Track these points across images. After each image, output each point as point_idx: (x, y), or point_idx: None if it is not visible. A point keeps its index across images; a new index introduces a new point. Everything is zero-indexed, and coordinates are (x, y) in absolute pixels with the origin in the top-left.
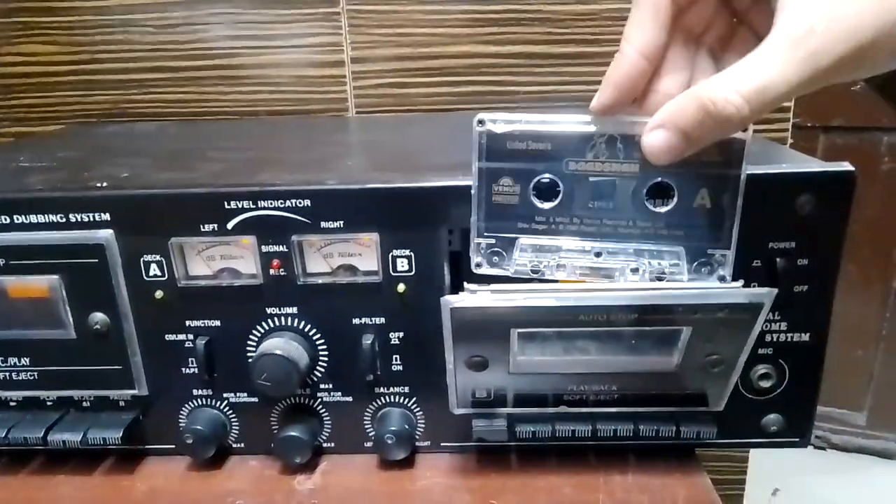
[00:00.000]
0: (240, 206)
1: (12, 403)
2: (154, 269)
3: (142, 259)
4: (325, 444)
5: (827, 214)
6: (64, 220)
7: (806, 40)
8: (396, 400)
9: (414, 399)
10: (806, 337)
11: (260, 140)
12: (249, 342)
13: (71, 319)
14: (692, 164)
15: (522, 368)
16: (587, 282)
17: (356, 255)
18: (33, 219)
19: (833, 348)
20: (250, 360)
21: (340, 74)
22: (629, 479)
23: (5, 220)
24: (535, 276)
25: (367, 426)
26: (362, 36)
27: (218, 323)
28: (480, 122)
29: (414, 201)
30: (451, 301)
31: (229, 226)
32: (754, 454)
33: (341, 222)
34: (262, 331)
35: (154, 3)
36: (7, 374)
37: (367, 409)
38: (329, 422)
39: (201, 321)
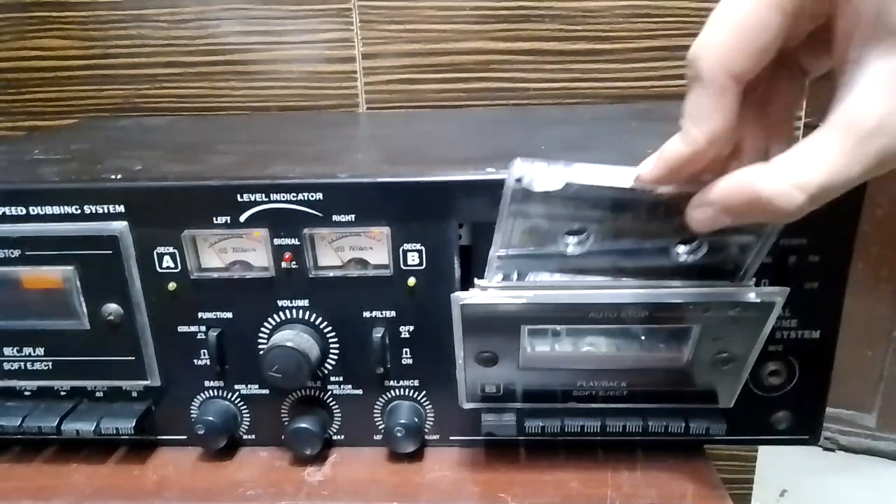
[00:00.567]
0: (252, 198)
1: (27, 393)
2: (167, 261)
3: (155, 251)
4: (334, 437)
5: (838, 211)
6: (78, 211)
7: (875, 135)
8: (406, 393)
9: (423, 392)
10: (816, 334)
11: (271, 134)
12: (261, 334)
13: (85, 310)
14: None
15: (532, 364)
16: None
17: (367, 248)
18: (48, 210)
19: (842, 349)
20: (261, 352)
21: (351, 70)
22: (637, 473)
23: (20, 210)
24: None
25: (376, 419)
26: (373, 32)
27: (230, 315)
28: (518, 179)
29: (425, 195)
30: (461, 297)
31: (242, 218)
32: (762, 454)
33: (353, 216)
34: (274, 323)
35: None
36: (22, 363)
37: (377, 402)
38: (339, 414)
39: (213, 313)
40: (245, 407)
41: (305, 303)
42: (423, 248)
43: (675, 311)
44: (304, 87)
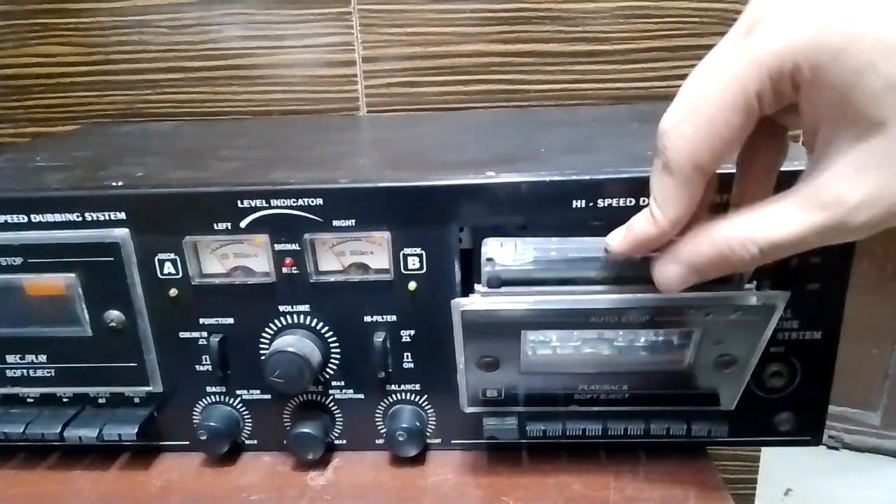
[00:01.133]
0: (253, 204)
1: (30, 400)
2: (168, 267)
3: (156, 257)
4: (337, 441)
5: None
6: (80, 218)
7: (833, 208)
8: (408, 397)
9: (425, 396)
10: (818, 335)
11: (272, 139)
12: (262, 339)
13: (87, 317)
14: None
15: (533, 368)
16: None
17: (368, 253)
18: (50, 217)
19: (847, 347)
20: (263, 358)
21: (352, 74)
22: (640, 476)
23: (22, 218)
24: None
25: (378, 423)
26: (373, 35)
27: (231, 320)
28: (489, 259)
29: (425, 199)
30: (462, 304)
31: (242, 224)
32: (766, 454)
33: (353, 221)
34: (275, 328)
35: (168, 4)
36: (24, 370)
37: (379, 407)
38: (341, 419)
39: (215, 319)
40: (247, 412)
41: (307, 308)
42: (423, 252)
43: (677, 315)
44: (305, 90)
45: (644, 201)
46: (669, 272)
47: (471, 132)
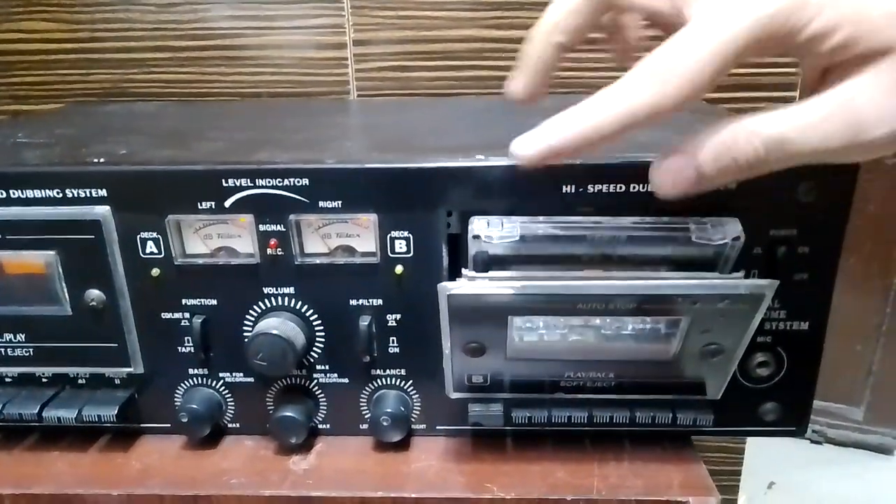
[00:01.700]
0: (237, 184)
1: (7, 379)
2: (150, 247)
3: (138, 236)
4: (320, 426)
5: (828, 202)
6: (60, 195)
7: (848, 115)
8: (393, 382)
9: (410, 382)
10: (805, 325)
11: (260, 121)
12: (246, 322)
13: (67, 296)
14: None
15: (519, 354)
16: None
17: (354, 235)
18: (30, 194)
19: (832, 343)
20: (246, 340)
21: (342, 57)
22: (624, 464)
23: (2, 194)
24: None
25: (362, 408)
26: (365, 18)
27: (214, 302)
28: (476, 236)
29: (413, 182)
30: (449, 288)
31: (227, 204)
32: (750, 446)
33: (339, 202)
34: (259, 310)
35: None
36: (2, 349)
37: (363, 391)
38: (325, 403)
39: (198, 300)
40: (230, 395)
41: (291, 290)
42: (410, 235)
43: (664, 303)
44: (295, 73)
45: (634, 187)
46: (670, 165)
47: (462, 118)
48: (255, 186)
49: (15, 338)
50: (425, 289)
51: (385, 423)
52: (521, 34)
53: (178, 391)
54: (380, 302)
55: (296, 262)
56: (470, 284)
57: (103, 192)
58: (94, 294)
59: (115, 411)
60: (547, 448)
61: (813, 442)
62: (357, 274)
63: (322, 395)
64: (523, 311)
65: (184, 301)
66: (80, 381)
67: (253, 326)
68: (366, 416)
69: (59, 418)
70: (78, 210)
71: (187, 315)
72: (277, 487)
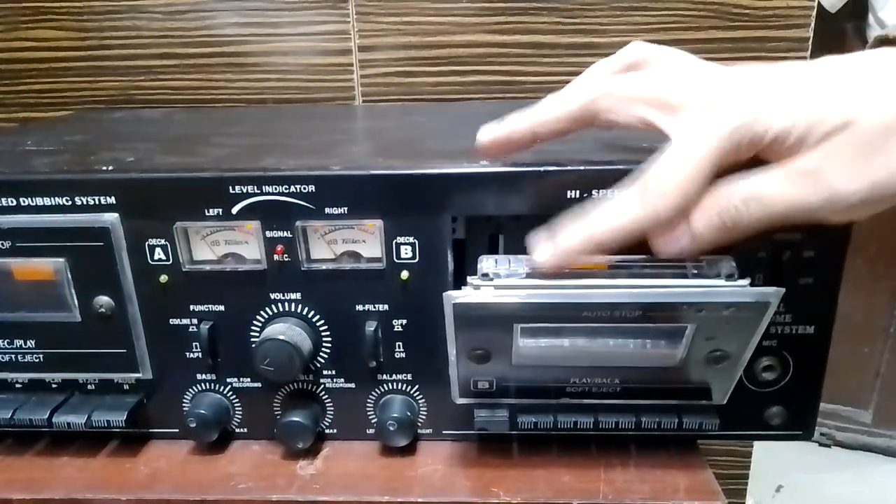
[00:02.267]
0: (244, 190)
1: (18, 385)
2: (159, 253)
3: (146, 243)
4: (327, 431)
5: None
6: (69, 202)
7: (818, 185)
8: (399, 387)
9: (416, 386)
10: (811, 329)
11: (266, 127)
12: (253, 327)
13: (76, 302)
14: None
15: (525, 361)
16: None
17: (360, 241)
18: (39, 201)
19: (839, 345)
20: (253, 345)
21: (348, 63)
22: (630, 468)
23: (11, 202)
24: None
25: (369, 413)
26: (370, 24)
27: (222, 308)
28: (485, 275)
29: (418, 188)
30: (454, 296)
31: (234, 210)
32: (757, 449)
33: (345, 208)
34: (266, 316)
35: None
36: (13, 356)
37: (370, 396)
38: (331, 408)
39: (205, 306)
40: (237, 400)
41: (298, 296)
42: (416, 241)
43: (669, 311)
44: (300, 79)
45: None
46: (672, 233)
47: (467, 123)
48: (261, 193)
49: (25, 344)
50: (431, 294)
51: (391, 428)
52: (525, 39)
53: (186, 396)
54: (386, 307)
55: (302, 268)
56: (475, 293)
57: (112, 200)
58: (103, 300)
59: (124, 417)
60: (553, 453)
61: (821, 445)
62: (363, 279)
63: (329, 399)
64: (529, 320)
65: (191, 307)
66: (89, 387)
67: (260, 332)
68: (372, 421)
69: (68, 424)
70: (87, 217)
71: (195, 321)
72: (284, 492)
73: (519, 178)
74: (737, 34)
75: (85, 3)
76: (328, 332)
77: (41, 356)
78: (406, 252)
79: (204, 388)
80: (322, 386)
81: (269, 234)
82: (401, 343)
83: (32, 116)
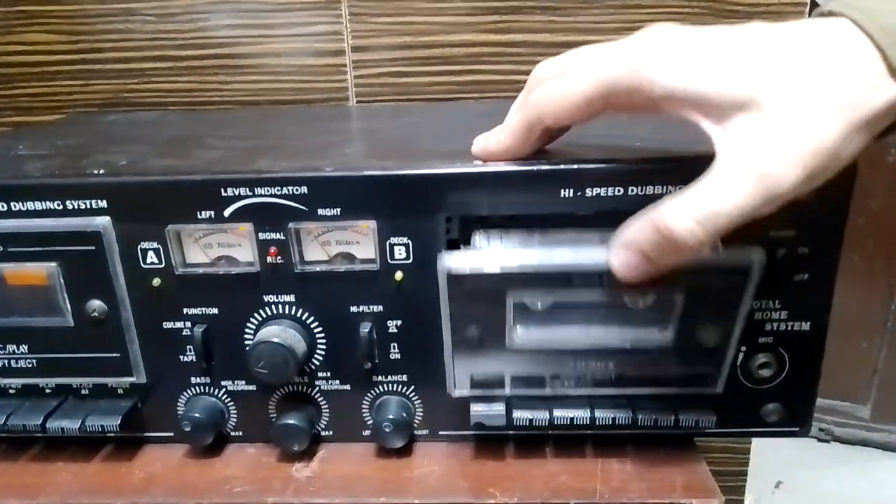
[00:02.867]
0: (237, 193)
1: (11, 391)
2: (151, 257)
3: (139, 246)
4: (322, 433)
5: (827, 202)
6: (61, 207)
7: (760, 177)
8: (394, 388)
9: (412, 387)
10: (806, 326)
11: (259, 129)
12: (247, 330)
13: (69, 307)
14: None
15: (518, 344)
16: None
17: (354, 242)
18: (31, 206)
19: (837, 340)
20: (248, 348)
21: (341, 63)
22: (627, 467)
23: (2, 206)
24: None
25: (364, 414)
26: (363, 25)
27: (215, 311)
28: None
29: (412, 188)
30: (447, 261)
31: (226, 213)
32: (756, 446)
33: (338, 209)
34: (260, 319)
35: None
36: (6, 361)
37: (365, 398)
38: (327, 410)
39: (199, 309)
40: (232, 403)
41: (291, 298)
42: (410, 242)
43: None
44: (294, 80)
45: (632, 190)
46: (620, 258)
47: (461, 123)
48: (254, 195)
49: (18, 349)
50: (425, 295)
51: (387, 429)
52: (519, 38)
53: (180, 400)
54: (380, 308)
55: (296, 270)
56: (468, 256)
57: (103, 204)
58: (96, 304)
59: (119, 421)
60: (549, 452)
61: (820, 440)
62: (357, 281)
63: (324, 401)
64: (521, 285)
65: (185, 310)
66: (83, 392)
67: (254, 335)
68: (368, 423)
69: (62, 429)
70: (79, 221)
71: (189, 324)
72: (280, 494)
73: (513, 177)
74: None
75: (77, 7)
76: (322, 334)
77: (34, 361)
78: (400, 253)
79: (198, 391)
80: (317, 388)
81: (262, 236)
82: (396, 344)
83: (26, 120)
